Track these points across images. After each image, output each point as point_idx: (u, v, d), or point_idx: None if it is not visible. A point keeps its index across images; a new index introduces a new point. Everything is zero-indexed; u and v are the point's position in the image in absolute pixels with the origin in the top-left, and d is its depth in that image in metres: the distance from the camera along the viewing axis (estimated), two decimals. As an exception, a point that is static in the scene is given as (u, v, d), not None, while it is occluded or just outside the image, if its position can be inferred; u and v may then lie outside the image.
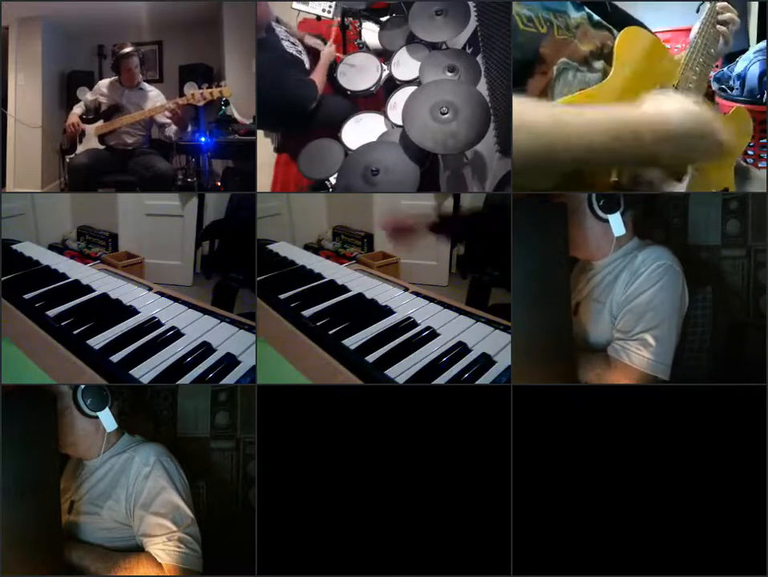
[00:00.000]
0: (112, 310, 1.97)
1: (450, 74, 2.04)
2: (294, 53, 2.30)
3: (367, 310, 2.01)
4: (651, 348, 1.53)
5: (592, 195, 1.59)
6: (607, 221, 1.60)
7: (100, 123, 2.63)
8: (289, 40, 2.32)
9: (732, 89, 2.00)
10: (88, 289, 2.14)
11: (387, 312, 1.98)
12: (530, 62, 1.51)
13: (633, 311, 1.56)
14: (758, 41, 2.13)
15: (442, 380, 1.59)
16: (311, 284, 2.27)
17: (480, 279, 2.41)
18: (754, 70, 1.95)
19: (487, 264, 2.45)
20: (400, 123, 1.89)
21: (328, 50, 2.40)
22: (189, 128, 2.71)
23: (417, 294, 2.11)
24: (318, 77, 2.33)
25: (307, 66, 2.31)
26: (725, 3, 1.72)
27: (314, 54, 2.46)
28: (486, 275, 2.38)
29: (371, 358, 1.68)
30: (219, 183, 2.75)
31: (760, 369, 1.66)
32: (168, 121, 2.62)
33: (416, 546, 1.65)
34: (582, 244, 1.66)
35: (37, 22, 3.03)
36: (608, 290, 1.63)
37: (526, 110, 1.27)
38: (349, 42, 2.60)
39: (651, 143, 1.25)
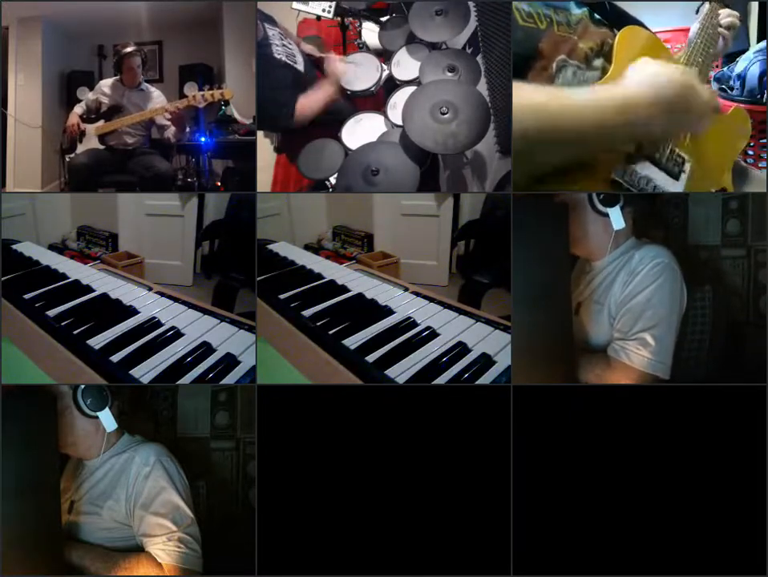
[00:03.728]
0: (112, 310, 1.98)
1: (450, 74, 2.04)
2: (285, 58, 2.23)
3: (367, 310, 2.01)
4: (650, 347, 1.53)
5: (592, 193, 1.60)
6: (607, 215, 1.60)
7: (101, 122, 2.63)
8: (282, 43, 2.28)
9: (732, 89, 2.01)
10: (88, 289, 2.14)
11: (387, 312, 1.98)
12: (529, 57, 1.51)
13: (632, 310, 1.56)
14: (758, 41, 2.13)
15: (442, 380, 1.59)
16: (311, 284, 2.27)
17: (472, 281, 2.41)
18: (754, 70, 1.96)
19: (482, 267, 2.46)
20: (400, 123, 1.89)
21: (330, 89, 2.25)
22: (187, 130, 2.71)
23: (417, 294, 2.11)
24: (309, 102, 2.21)
25: (301, 68, 2.29)
26: (728, 9, 1.73)
27: (313, 61, 2.43)
28: (479, 277, 2.38)
29: (371, 358, 1.68)
30: (219, 183, 2.75)
31: (760, 369, 1.66)
32: (168, 123, 2.62)
33: (416, 546, 1.65)
34: (582, 241, 1.66)
35: (37, 22, 3.03)
36: (606, 291, 1.63)
37: (528, 92, 1.32)
38: (349, 42, 2.60)
39: (645, 117, 1.33)
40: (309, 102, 2.20)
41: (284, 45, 2.25)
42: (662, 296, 1.55)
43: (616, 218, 1.60)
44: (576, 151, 1.34)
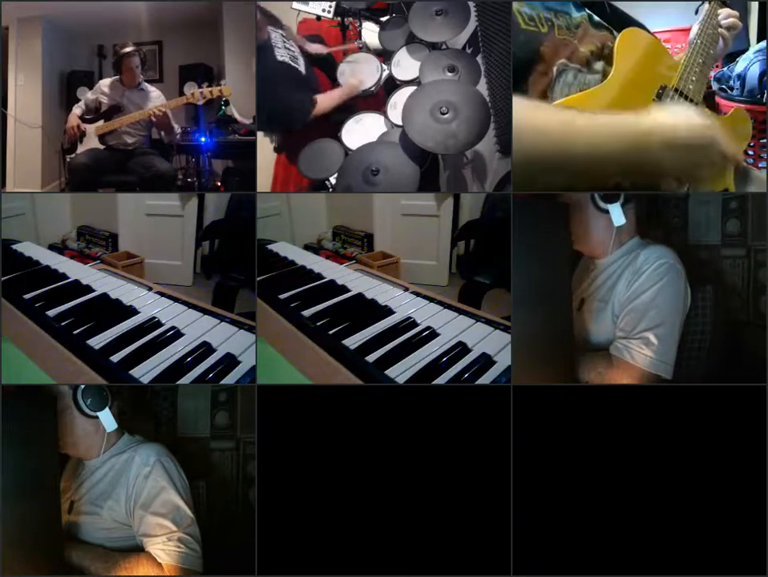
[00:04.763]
0: (112, 310, 1.98)
1: (450, 74, 2.04)
2: (288, 60, 2.23)
3: (367, 310, 2.01)
4: (653, 346, 1.53)
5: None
6: (607, 211, 1.62)
7: (101, 122, 2.63)
8: (285, 46, 2.28)
9: (732, 89, 2.00)
10: (88, 289, 2.14)
11: (387, 312, 1.98)
12: (530, 61, 1.51)
13: (636, 309, 1.56)
14: (758, 41, 2.13)
15: (442, 380, 1.59)
16: (311, 284, 2.27)
17: (472, 281, 2.40)
18: (754, 70, 1.95)
19: (482, 267, 2.46)
20: (400, 123, 1.89)
21: (352, 84, 2.29)
22: (177, 129, 2.70)
23: (417, 294, 2.11)
24: (327, 100, 2.24)
25: (302, 70, 2.29)
26: (728, 9, 1.73)
27: (312, 61, 2.42)
28: (479, 277, 2.38)
29: (371, 358, 1.68)
30: (219, 183, 2.75)
31: (760, 369, 1.66)
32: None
33: (416, 546, 1.65)
34: (585, 238, 1.67)
35: (37, 22, 3.03)
36: (610, 290, 1.64)
37: (535, 113, 1.29)
38: (349, 42, 2.60)
39: (657, 151, 1.26)
40: (327, 100, 2.23)
41: (286, 47, 2.25)
42: (666, 296, 1.55)
43: (617, 214, 1.61)
44: (582, 177, 1.32)
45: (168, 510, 1.49)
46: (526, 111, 1.28)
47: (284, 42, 2.28)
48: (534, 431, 1.65)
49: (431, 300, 2.05)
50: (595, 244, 1.68)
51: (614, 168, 1.30)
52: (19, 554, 1.43)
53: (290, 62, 2.22)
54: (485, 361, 1.65)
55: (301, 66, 2.28)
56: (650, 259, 1.58)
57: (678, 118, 1.31)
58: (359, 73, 2.32)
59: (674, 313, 1.56)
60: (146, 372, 1.61)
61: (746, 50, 2.06)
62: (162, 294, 2.08)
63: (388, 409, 1.66)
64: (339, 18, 2.62)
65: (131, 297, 2.06)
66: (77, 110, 2.68)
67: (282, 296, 2.12)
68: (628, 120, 1.30)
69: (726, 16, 1.73)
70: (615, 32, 1.64)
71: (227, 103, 2.79)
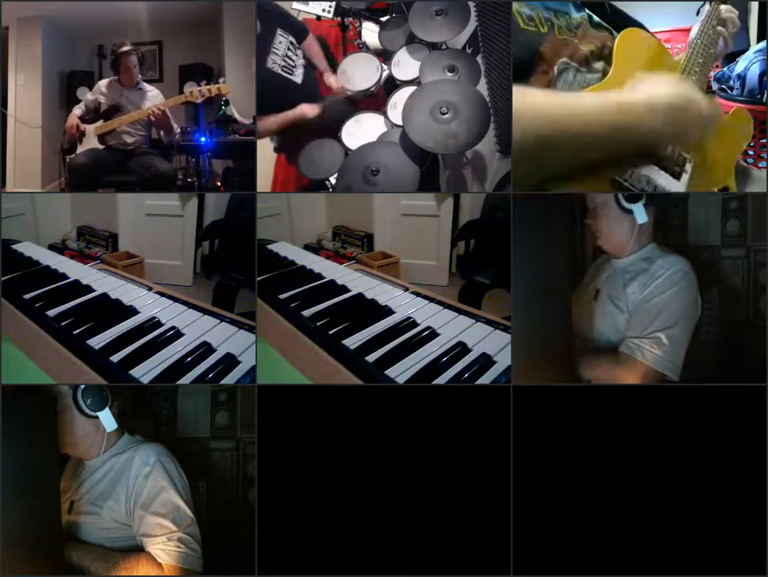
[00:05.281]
0: (112, 310, 1.98)
1: (450, 74, 2.04)
2: (279, 69, 2.20)
3: (367, 310, 2.01)
4: (664, 346, 1.56)
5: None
6: (631, 211, 1.66)
7: (100, 122, 2.63)
8: (286, 54, 2.27)
9: (732, 89, 2.00)
10: (88, 289, 2.14)
11: (387, 312, 1.98)
12: (530, 61, 1.51)
13: (649, 311, 1.59)
14: (758, 41, 2.13)
15: (442, 380, 1.59)
16: (311, 284, 2.27)
17: (472, 281, 2.40)
18: (754, 70, 1.96)
19: (482, 267, 2.46)
20: (400, 123, 1.89)
21: (304, 110, 2.23)
22: (176, 129, 2.70)
23: (417, 294, 2.11)
24: (269, 123, 2.19)
25: (298, 80, 2.27)
26: (728, 6, 1.73)
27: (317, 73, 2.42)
28: (479, 277, 2.38)
29: (371, 358, 1.68)
30: (219, 183, 2.75)
31: (760, 369, 1.66)
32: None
33: (416, 546, 1.65)
34: (608, 237, 1.72)
35: (37, 22, 3.03)
36: (622, 290, 1.67)
37: (532, 97, 1.32)
38: (349, 42, 2.61)
39: (646, 121, 1.34)
40: (266, 124, 2.19)
41: (286, 56, 2.24)
42: (680, 300, 1.59)
43: (640, 213, 1.66)
44: (578, 155, 1.34)
45: (168, 510, 1.49)
46: (524, 96, 1.32)
47: (288, 50, 2.26)
48: (534, 431, 1.65)
49: (431, 300, 2.05)
50: (617, 242, 1.72)
51: (607, 143, 1.34)
52: (19, 554, 1.43)
53: (280, 71, 2.20)
54: (485, 361, 1.65)
55: (298, 77, 2.26)
56: (666, 265, 1.63)
57: (658, 89, 1.39)
58: (351, 78, 2.31)
59: (686, 318, 1.60)
60: (146, 372, 1.61)
61: (746, 50, 2.06)
62: (162, 294, 2.08)
63: (388, 409, 1.66)
64: (339, 18, 2.62)
65: (131, 297, 2.06)
66: (77, 110, 2.67)
67: (282, 296, 2.12)
68: (612, 95, 1.38)
69: (725, 11, 1.74)
70: (615, 32, 1.64)
71: (227, 103, 2.79)
